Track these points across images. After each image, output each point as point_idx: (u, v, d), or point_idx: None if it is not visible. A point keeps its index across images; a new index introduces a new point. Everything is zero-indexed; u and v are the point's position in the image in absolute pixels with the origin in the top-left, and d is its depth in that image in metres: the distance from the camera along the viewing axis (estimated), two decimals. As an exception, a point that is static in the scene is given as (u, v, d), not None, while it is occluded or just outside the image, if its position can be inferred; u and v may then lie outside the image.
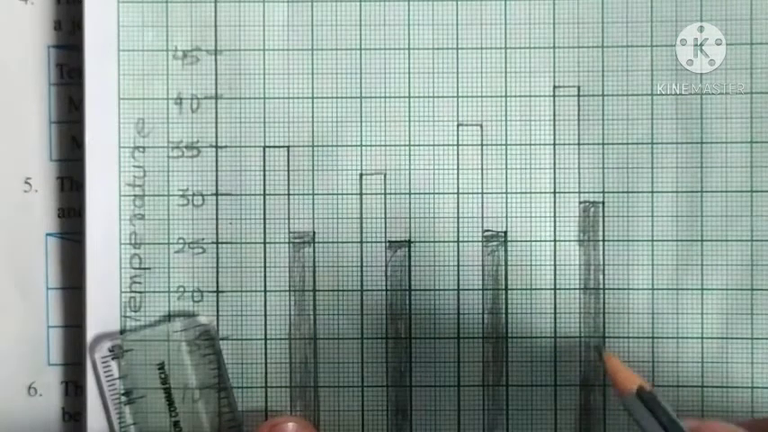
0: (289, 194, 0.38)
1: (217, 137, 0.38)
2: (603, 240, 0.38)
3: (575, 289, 0.38)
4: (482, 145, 0.38)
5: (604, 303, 0.38)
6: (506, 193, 0.38)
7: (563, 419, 0.38)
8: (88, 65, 0.38)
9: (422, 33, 0.38)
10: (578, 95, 0.38)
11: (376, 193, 0.38)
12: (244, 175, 0.38)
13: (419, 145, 0.38)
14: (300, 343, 0.38)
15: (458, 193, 0.38)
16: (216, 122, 0.38)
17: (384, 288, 0.38)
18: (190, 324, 0.38)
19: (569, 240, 0.38)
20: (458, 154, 0.38)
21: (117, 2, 0.38)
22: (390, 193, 0.38)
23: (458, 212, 0.38)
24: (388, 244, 0.38)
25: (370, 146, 0.38)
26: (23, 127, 0.39)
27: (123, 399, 0.37)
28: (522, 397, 0.38)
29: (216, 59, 0.38)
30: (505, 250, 0.38)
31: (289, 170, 0.38)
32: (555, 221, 0.38)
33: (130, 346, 0.37)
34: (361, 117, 0.38)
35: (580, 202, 0.38)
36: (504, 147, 0.38)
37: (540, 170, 0.38)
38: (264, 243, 0.38)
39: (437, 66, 0.38)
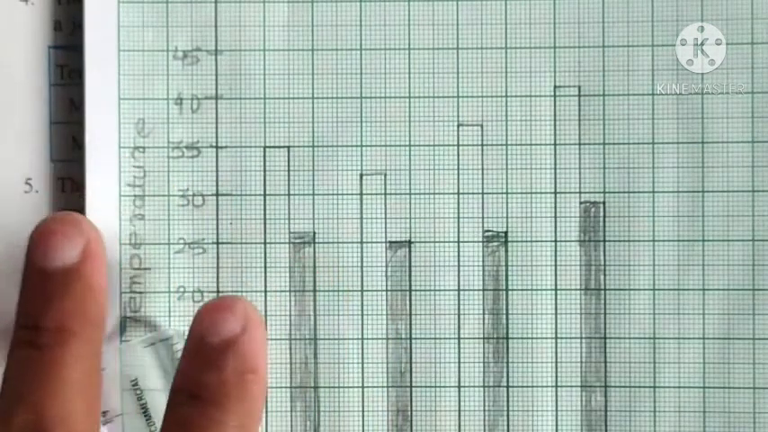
0: (289, 195, 0.38)
1: (217, 137, 0.38)
2: (604, 241, 0.38)
3: (575, 289, 0.38)
4: (482, 145, 0.38)
5: (605, 304, 0.38)
6: (507, 193, 0.38)
7: (564, 421, 0.38)
8: (88, 65, 0.38)
9: (422, 33, 0.38)
10: (579, 95, 0.38)
11: (376, 194, 0.38)
12: (244, 176, 0.38)
13: (419, 145, 0.38)
14: (300, 343, 0.38)
15: (458, 194, 0.38)
16: (216, 123, 0.38)
17: (384, 288, 0.38)
18: (155, 338, 0.37)
19: (570, 241, 0.38)
20: (458, 154, 0.38)
21: (117, 2, 0.38)
22: (390, 194, 0.38)
23: (458, 213, 0.38)
24: (388, 244, 0.38)
25: (370, 146, 0.38)
26: (24, 127, 0.39)
27: (101, 419, 0.37)
28: (523, 398, 0.38)
29: (216, 59, 0.38)
30: (506, 251, 0.38)
31: (289, 170, 0.38)
32: (555, 222, 0.38)
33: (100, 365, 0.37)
34: (361, 117, 0.38)
35: (581, 203, 0.38)
36: (504, 147, 0.38)
37: (540, 170, 0.38)
38: (265, 243, 0.38)
39: (437, 66, 0.38)
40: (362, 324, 0.38)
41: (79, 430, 0.32)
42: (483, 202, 0.38)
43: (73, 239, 0.33)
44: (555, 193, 0.38)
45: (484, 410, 0.38)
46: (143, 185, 0.38)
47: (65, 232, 0.33)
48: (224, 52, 0.38)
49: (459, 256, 0.38)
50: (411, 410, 0.38)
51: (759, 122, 0.38)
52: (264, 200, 0.38)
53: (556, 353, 0.38)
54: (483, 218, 0.38)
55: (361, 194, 0.38)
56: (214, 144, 0.38)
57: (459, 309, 0.38)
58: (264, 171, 0.38)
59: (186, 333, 0.38)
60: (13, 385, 0.32)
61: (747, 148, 0.38)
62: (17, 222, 0.39)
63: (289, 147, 0.38)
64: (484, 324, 0.38)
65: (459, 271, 0.38)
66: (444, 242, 0.38)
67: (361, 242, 0.38)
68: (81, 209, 0.38)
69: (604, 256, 0.38)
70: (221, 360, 0.33)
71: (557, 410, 0.38)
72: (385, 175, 0.38)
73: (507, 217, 0.38)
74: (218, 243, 0.38)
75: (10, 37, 0.38)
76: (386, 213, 0.38)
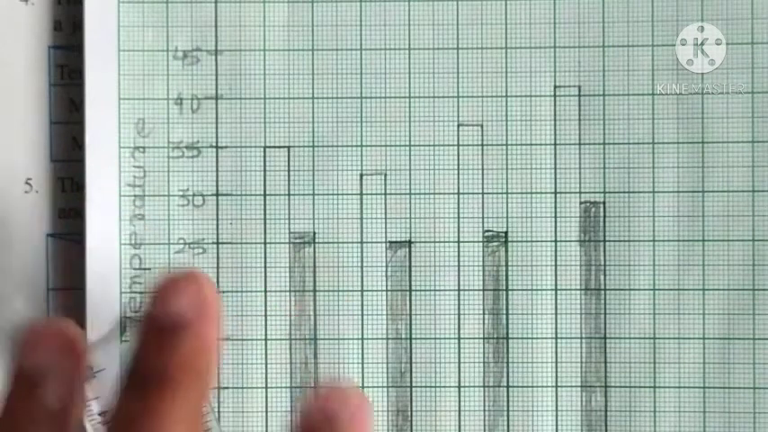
0: (289, 195, 0.38)
1: (217, 137, 0.38)
2: (604, 241, 0.38)
3: (575, 289, 0.38)
4: (482, 145, 0.38)
5: (605, 304, 0.38)
6: (507, 193, 0.38)
7: (564, 421, 0.38)
8: (88, 65, 0.38)
9: (422, 33, 0.38)
10: (579, 95, 0.38)
11: (376, 194, 0.38)
12: (244, 176, 0.38)
13: (419, 145, 0.38)
14: (301, 343, 0.38)
15: (458, 194, 0.38)
16: (216, 123, 0.38)
17: (384, 288, 0.38)
18: None
19: (570, 241, 0.38)
20: (458, 154, 0.38)
21: (117, 2, 0.38)
22: (390, 194, 0.38)
23: (458, 213, 0.38)
24: (388, 244, 0.38)
25: (370, 146, 0.38)
26: (24, 127, 0.39)
27: (98, 418, 0.37)
28: (523, 398, 0.38)
29: (216, 59, 0.38)
30: (506, 251, 0.38)
31: (289, 170, 0.38)
32: (556, 222, 0.38)
33: (100, 365, 0.37)
34: (361, 117, 0.38)
35: (581, 203, 0.38)
36: (504, 147, 0.38)
37: (540, 170, 0.38)
38: (265, 243, 0.38)
39: (437, 66, 0.38)
40: (362, 324, 0.38)
41: None
42: (483, 202, 0.38)
43: (190, 297, 0.34)
44: (555, 193, 0.38)
45: (484, 410, 0.38)
46: (143, 185, 0.38)
47: (184, 289, 0.34)
48: (224, 52, 0.38)
49: (459, 256, 0.38)
50: (411, 410, 0.38)
51: (759, 122, 0.38)
52: (264, 200, 0.38)
53: (556, 353, 0.38)
54: (483, 218, 0.38)
55: (361, 194, 0.38)
56: (214, 144, 0.38)
57: (459, 309, 0.38)
58: (264, 171, 0.38)
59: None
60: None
61: (747, 148, 0.38)
62: (17, 222, 0.39)
63: (289, 147, 0.38)
64: (484, 324, 0.38)
65: (459, 271, 0.38)
66: (444, 242, 0.38)
67: (362, 242, 0.38)
68: (81, 209, 0.38)
69: (604, 256, 0.38)
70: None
71: (557, 410, 0.38)
72: (385, 175, 0.38)
73: (507, 217, 0.38)
74: (218, 243, 0.38)
75: (10, 37, 0.38)
76: (386, 213, 0.38)
